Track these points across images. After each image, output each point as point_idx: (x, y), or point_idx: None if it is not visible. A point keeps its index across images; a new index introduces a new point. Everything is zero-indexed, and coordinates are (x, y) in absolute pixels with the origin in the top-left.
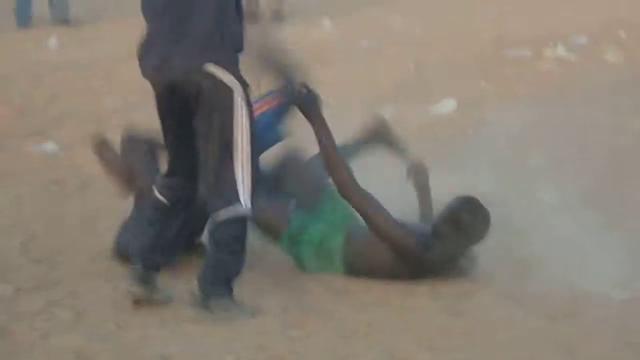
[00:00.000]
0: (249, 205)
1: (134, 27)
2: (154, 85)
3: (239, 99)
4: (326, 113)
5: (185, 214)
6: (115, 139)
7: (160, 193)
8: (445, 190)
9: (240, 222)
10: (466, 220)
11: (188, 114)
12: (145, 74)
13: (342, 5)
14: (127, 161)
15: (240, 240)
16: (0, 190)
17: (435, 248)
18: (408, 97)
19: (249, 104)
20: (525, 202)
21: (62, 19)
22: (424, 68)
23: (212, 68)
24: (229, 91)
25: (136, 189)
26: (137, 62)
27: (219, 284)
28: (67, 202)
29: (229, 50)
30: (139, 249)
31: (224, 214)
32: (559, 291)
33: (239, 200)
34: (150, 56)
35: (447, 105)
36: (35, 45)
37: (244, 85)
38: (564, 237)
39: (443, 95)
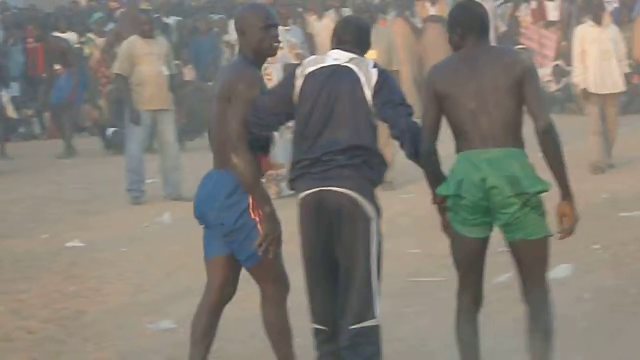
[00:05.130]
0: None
1: None
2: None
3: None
4: None
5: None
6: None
7: (318, 323)
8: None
9: (377, 330)
10: None
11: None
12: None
13: None
14: None
15: (379, 344)
16: None
17: None
18: None
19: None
20: None
21: (175, 195)
22: None
23: (359, 197)
24: (368, 220)
25: None
26: None
27: None
28: None
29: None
30: None
31: (362, 324)
32: None
33: (375, 315)
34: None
35: (563, 271)
36: (149, 221)
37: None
38: None
39: (558, 261)
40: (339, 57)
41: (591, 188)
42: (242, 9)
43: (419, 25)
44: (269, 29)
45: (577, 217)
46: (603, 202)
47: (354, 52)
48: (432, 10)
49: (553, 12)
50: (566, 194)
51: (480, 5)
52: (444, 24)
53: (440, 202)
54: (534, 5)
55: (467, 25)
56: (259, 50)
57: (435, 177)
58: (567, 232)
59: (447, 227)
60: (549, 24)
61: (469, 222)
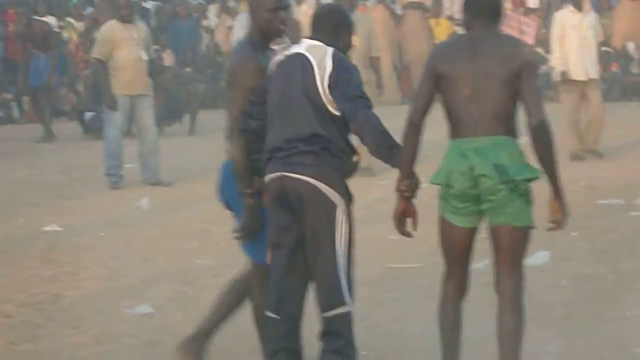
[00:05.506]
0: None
1: None
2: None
3: (341, 213)
4: None
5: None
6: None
7: (274, 312)
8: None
9: (348, 317)
10: None
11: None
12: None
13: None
14: None
15: (350, 331)
16: (97, 354)
17: None
18: None
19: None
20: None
21: (153, 180)
22: None
23: (320, 184)
24: (332, 207)
25: None
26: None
27: None
28: None
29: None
30: None
31: (333, 311)
32: None
33: (345, 301)
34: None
35: (541, 258)
36: (127, 206)
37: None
38: None
39: (536, 248)
40: (300, 45)
41: (570, 176)
42: None
43: (399, 11)
44: (276, 11)
45: (569, 212)
46: (582, 189)
47: (324, 41)
48: None
49: None
50: (556, 191)
51: None
52: (423, 11)
53: (404, 190)
54: None
55: (479, 7)
56: (266, 31)
57: (410, 152)
58: (559, 225)
59: (398, 216)
60: (529, 11)
61: (459, 211)
